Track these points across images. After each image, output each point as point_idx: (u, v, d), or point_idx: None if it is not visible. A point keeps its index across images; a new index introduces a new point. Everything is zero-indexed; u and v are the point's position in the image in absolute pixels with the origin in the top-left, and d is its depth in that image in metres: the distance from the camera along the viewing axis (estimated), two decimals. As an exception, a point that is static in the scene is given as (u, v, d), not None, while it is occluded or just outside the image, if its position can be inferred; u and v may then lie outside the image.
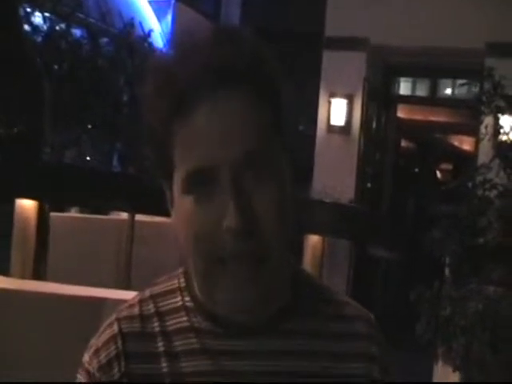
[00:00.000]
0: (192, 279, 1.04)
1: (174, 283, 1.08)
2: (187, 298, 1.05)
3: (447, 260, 5.13)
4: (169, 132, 0.96)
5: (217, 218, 0.93)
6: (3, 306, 3.00)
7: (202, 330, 1.03)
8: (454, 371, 4.12)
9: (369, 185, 9.17)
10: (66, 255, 5.45)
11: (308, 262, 4.70)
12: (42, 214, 4.52)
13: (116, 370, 1.01)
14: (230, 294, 0.96)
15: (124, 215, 6.02)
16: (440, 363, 4.42)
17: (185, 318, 1.04)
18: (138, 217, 5.77)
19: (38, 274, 4.41)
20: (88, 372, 1.02)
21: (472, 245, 4.90)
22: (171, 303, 1.06)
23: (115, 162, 8.58)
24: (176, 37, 1.04)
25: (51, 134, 6.96)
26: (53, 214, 5.68)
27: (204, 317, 1.03)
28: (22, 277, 4.20)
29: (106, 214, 6.57)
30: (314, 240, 4.78)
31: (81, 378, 1.03)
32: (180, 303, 1.05)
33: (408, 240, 8.76)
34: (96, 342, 1.04)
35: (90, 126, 8.21)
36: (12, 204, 4.35)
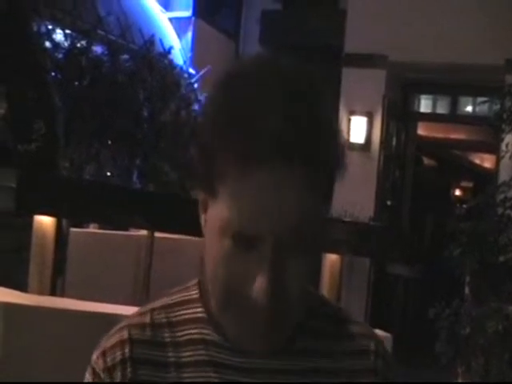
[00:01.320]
0: (207, 291, 1.04)
1: (188, 294, 1.08)
2: (200, 310, 1.05)
3: (467, 278, 5.10)
4: (224, 174, 0.93)
5: (248, 276, 0.93)
6: (20, 322, 3.01)
7: (212, 342, 1.03)
8: (473, 390, 4.08)
9: (388, 202, 9.13)
10: (85, 271, 5.47)
11: (326, 281, 4.68)
12: (60, 230, 4.53)
13: (119, 374, 1.01)
14: (245, 331, 0.97)
15: (143, 231, 6.05)
16: (460, 382, 4.38)
17: (196, 330, 1.04)
18: (157, 233, 5.80)
19: (56, 290, 4.43)
20: (94, 370, 1.03)
21: (492, 263, 4.87)
22: (183, 314, 1.06)
23: (135, 178, 8.61)
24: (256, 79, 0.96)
25: (70, 149, 7.01)
26: (72, 230, 5.72)
27: (216, 330, 1.03)
28: (40, 292, 4.22)
29: (125, 230, 6.60)
30: (332, 259, 4.76)
31: (88, 375, 1.04)
32: (193, 315, 1.05)
33: (427, 258, 8.72)
34: (105, 343, 1.04)
35: (109, 142, 8.26)
36: (30, 217, 4.37)
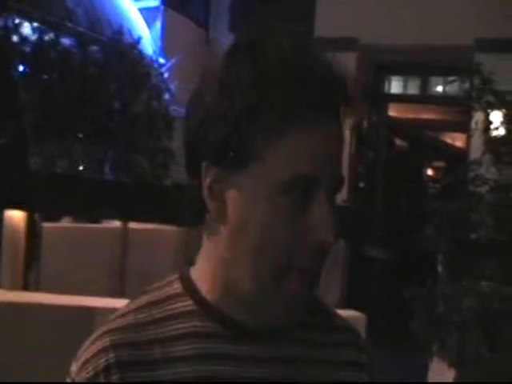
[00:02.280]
0: (193, 283, 1.04)
1: (171, 289, 1.06)
2: (188, 303, 1.03)
3: (440, 257, 5.13)
4: (277, 128, 0.95)
5: (306, 230, 0.95)
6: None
7: (206, 333, 1.01)
8: (449, 367, 4.11)
9: (361, 184, 9.17)
10: (59, 264, 5.44)
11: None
12: (31, 224, 4.51)
13: (102, 382, 0.98)
14: (285, 302, 0.97)
15: (117, 223, 6.02)
16: (435, 360, 4.42)
17: (187, 324, 1.02)
18: (131, 224, 5.78)
19: (29, 284, 4.40)
20: (75, 382, 1.00)
21: (465, 241, 4.91)
22: (169, 309, 1.03)
23: (107, 169, 8.56)
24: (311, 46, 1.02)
25: (41, 143, 6.96)
26: (45, 225, 5.68)
27: (210, 318, 1.02)
28: (13, 287, 4.20)
29: (98, 222, 6.56)
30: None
31: None
32: (181, 309, 1.03)
33: (401, 238, 8.76)
34: (85, 353, 1.01)
35: (81, 135, 8.20)
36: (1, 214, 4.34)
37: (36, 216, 5.00)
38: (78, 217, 6.34)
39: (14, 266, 4.37)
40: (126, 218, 5.38)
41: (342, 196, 8.50)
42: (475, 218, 5.02)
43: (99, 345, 1.00)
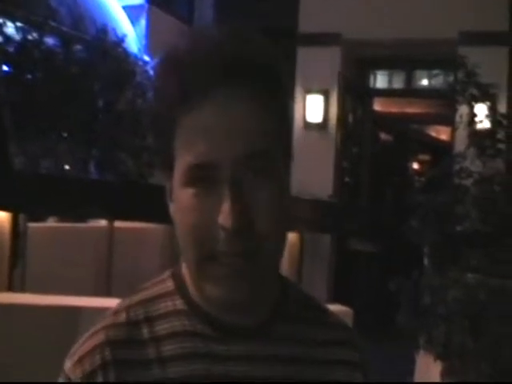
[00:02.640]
0: (184, 281, 1.05)
1: (163, 287, 1.06)
2: (179, 302, 1.04)
3: (426, 249, 5.15)
4: (173, 121, 0.96)
5: (212, 214, 0.93)
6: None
7: (195, 333, 1.01)
8: (435, 360, 4.12)
9: (347, 179, 9.18)
10: (45, 265, 5.42)
11: (285, 259, 4.69)
12: (15, 225, 4.49)
13: (101, 379, 0.98)
14: (221, 289, 0.96)
15: (103, 222, 6.00)
16: (421, 352, 4.43)
17: (177, 323, 1.02)
18: (117, 223, 5.76)
19: (13, 285, 4.39)
20: (70, 380, 0.99)
21: (450, 233, 4.92)
22: (161, 308, 1.04)
23: (92, 168, 8.55)
24: (190, 31, 1.05)
25: (25, 143, 6.94)
26: (31, 225, 5.66)
27: (199, 319, 1.02)
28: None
29: (84, 221, 6.55)
30: (290, 237, 4.77)
31: None
32: (171, 307, 1.04)
33: (387, 232, 8.79)
34: (80, 349, 1.01)
35: (65, 134, 8.18)
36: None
37: (20, 216, 4.98)
38: (63, 216, 6.32)
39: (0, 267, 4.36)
40: (111, 216, 5.36)
41: (327, 191, 8.56)
42: (460, 210, 5.03)
43: (94, 341, 1.00)
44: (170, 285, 1.06)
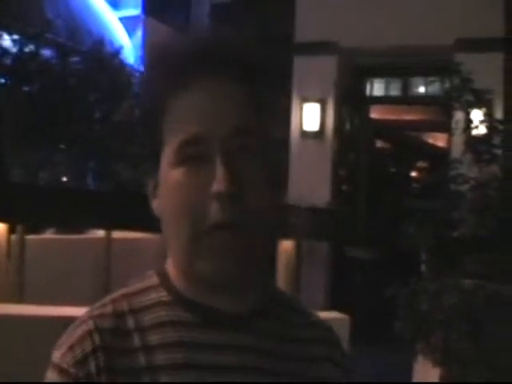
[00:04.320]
0: (168, 276, 1.08)
1: (147, 282, 1.09)
2: (163, 293, 1.06)
3: (422, 255, 5.15)
4: (161, 108, 1.04)
5: (205, 187, 0.98)
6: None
7: (179, 322, 1.04)
8: (433, 366, 4.12)
9: (344, 187, 9.18)
10: (43, 277, 5.42)
11: (282, 267, 4.69)
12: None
13: (93, 364, 0.99)
14: (214, 262, 0.99)
15: (101, 233, 6.00)
16: (420, 359, 4.43)
17: (162, 313, 1.04)
18: (115, 234, 5.75)
19: (12, 297, 4.39)
20: (61, 369, 0.99)
21: (446, 238, 4.93)
22: (145, 300, 1.06)
23: (90, 180, 8.55)
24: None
25: (22, 155, 6.94)
26: (29, 237, 5.65)
27: (183, 308, 1.05)
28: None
29: (82, 232, 6.54)
30: (286, 245, 4.77)
31: (52, 376, 1.00)
32: (155, 300, 1.06)
33: (385, 239, 8.78)
34: (69, 339, 1.02)
35: (63, 146, 8.20)
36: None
37: (18, 228, 4.98)
38: (61, 228, 6.32)
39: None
40: (109, 227, 5.36)
41: (324, 198, 8.54)
42: (456, 215, 5.04)
43: (83, 329, 1.02)
44: (154, 279, 1.09)
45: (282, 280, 4.46)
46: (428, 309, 4.37)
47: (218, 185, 0.97)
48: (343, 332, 3.43)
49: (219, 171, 0.98)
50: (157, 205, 1.07)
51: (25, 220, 4.72)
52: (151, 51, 1.11)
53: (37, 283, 5.26)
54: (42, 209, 4.80)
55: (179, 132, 1.01)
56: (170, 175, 1.02)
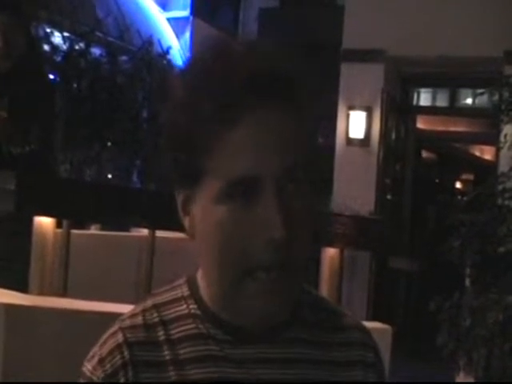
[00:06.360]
0: (198, 287, 1.06)
1: (178, 292, 1.08)
2: (193, 306, 1.06)
3: (467, 270, 5.10)
4: (207, 136, 0.96)
5: (254, 227, 0.95)
6: (19, 322, 3.02)
7: (209, 336, 1.03)
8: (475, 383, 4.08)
9: (389, 196, 9.13)
10: (86, 272, 5.47)
11: (326, 275, 4.69)
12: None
13: (122, 379, 1.00)
14: (258, 304, 0.97)
15: (145, 231, 6.04)
16: (461, 374, 4.39)
17: (191, 326, 1.04)
18: (159, 233, 5.79)
19: (57, 291, 4.44)
20: (92, 382, 1.01)
21: (492, 254, 4.87)
22: (176, 311, 1.06)
23: (135, 178, 8.62)
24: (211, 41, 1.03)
25: (70, 151, 7.03)
26: (73, 232, 5.72)
27: (212, 324, 1.04)
28: (41, 293, 4.24)
29: (126, 230, 6.59)
30: (331, 252, 4.76)
31: None
32: (186, 311, 1.06)
33: (429, 251, 8.72)
34: (100, 351, 1.02)
35: (109, 143, 8.27)
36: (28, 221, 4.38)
37: (64, 223, 5.04)
38: (106, 224, 6.38)
39: (43, 273, 4.41)
40: (152, 226, 5.39)
41: (369, 207, 8.49)
42: (503, 230, 4.98)
43: (113, 342, 1.02)
44: (184, 290, 1.08)
45: (325, 288, 4.45)
46: (471, 324, 4.32)
47: (273, 231, 0.93)
48: (385, 343, 3.41)
49: (273, 216, 0.93)
50: (189, 224, 1.03)
51: (71, 215, 4.77)
52: (193, 70, 1.00)
53: (80, 278, 5.31)
54: (87, 204, 4.84)
55: (227, 168, 0.95)
56: (214, 211, 0.96)
